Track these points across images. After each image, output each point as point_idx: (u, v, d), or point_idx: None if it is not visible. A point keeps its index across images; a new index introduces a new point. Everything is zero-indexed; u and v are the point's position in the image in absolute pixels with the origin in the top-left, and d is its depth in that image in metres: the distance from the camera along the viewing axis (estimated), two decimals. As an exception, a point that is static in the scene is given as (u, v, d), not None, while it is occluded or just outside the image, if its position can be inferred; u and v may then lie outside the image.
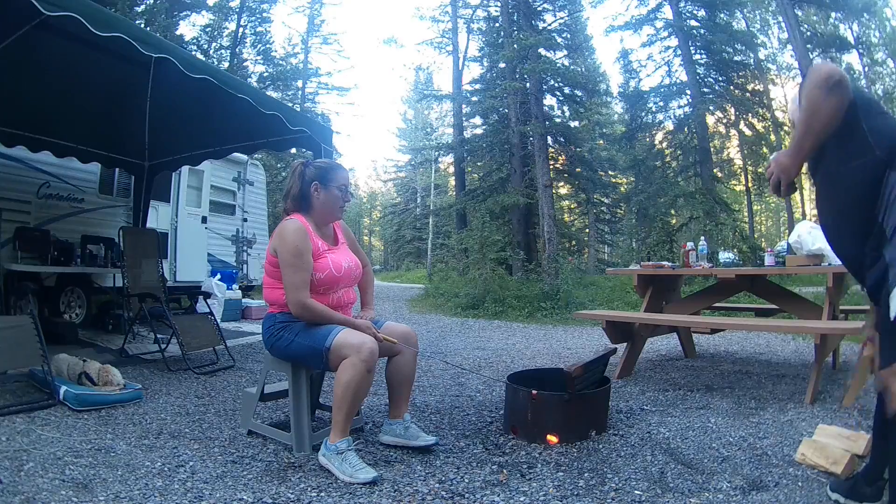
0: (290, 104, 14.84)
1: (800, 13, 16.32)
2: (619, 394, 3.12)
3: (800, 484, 1.84)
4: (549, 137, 15.26)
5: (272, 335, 2.19)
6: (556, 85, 16.30)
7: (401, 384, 2.29)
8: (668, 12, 16.02)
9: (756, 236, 25.70)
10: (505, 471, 2.02)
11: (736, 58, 16.51)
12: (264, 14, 19.72)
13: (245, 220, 8.44)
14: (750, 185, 19.15)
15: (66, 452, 2.11)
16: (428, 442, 2.22)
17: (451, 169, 21.90)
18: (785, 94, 25.25)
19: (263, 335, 2.26)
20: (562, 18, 16.54)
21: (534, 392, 2.35)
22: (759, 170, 17.68)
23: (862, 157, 1.50)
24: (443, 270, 18.24)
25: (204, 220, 7.39)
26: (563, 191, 22.26)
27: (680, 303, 4.18)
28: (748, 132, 17.27)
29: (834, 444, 1.97)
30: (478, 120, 19.40)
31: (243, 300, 7.32)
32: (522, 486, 1.90)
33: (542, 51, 14.39)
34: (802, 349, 4.51)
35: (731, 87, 16.18)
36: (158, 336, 4.08)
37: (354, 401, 2.00)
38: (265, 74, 19.34)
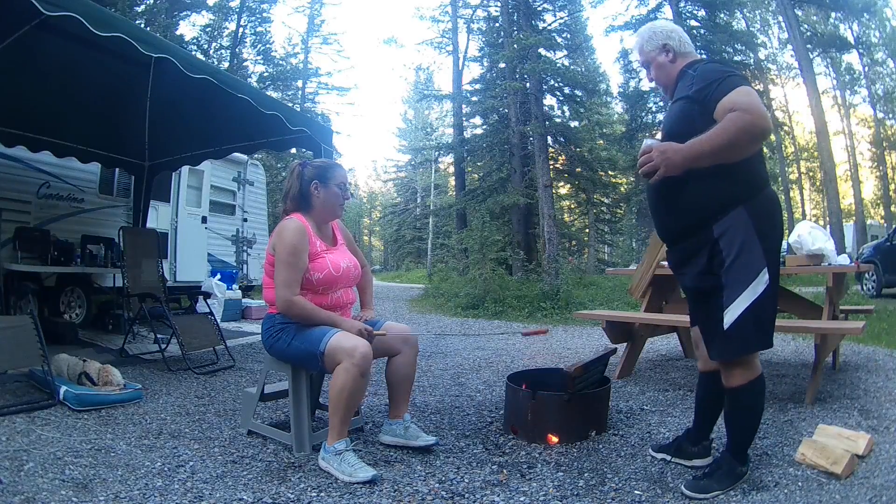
0: (290, 104, 14.86)
1: (800, 13, 16.33)
2: (619, 394, 3.12)
3: (800, 484, 1.84)
4: (549, 137, 15.25)
5: (271, 336, 2.19)
6: (556, 85, 16.31)
7: (401, 384, 2.29)
8: (668, 12, 16.00)
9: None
10: (505, 471, 2.02)
11: (736, 58, 16.50)
12: (264, 14, 19.78)
13: (245, 220, 8.45)
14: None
15: (66, 452, 2.11)
16: (428, 442, 2.22)
17: (451, 169, 21.91)
18: (785, 95, 25.25)
19: (263, 336, 2.26)
20: (562, 18, 16.56)
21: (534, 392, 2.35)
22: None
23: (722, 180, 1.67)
24: (443, 270, 18.23)
25: (204, 220, 7.39)
26: (563, 191, 22.26)
27: (680, 302, 4.17)
28: (748, 132, 17.25)
29: (834, 444, 1.97)
30: (478, 120, 19.42)
31: (243, 300, 7.31)
32: (522, 486, 1.90)
33: (542, 51, 14.39)
34: (802, 349, 4.51)
35: (731, 87, 16.16)
36: (158, 336, 4.08)
37: (349, 404, 2.01)
38: (265, 74, 19.38)
